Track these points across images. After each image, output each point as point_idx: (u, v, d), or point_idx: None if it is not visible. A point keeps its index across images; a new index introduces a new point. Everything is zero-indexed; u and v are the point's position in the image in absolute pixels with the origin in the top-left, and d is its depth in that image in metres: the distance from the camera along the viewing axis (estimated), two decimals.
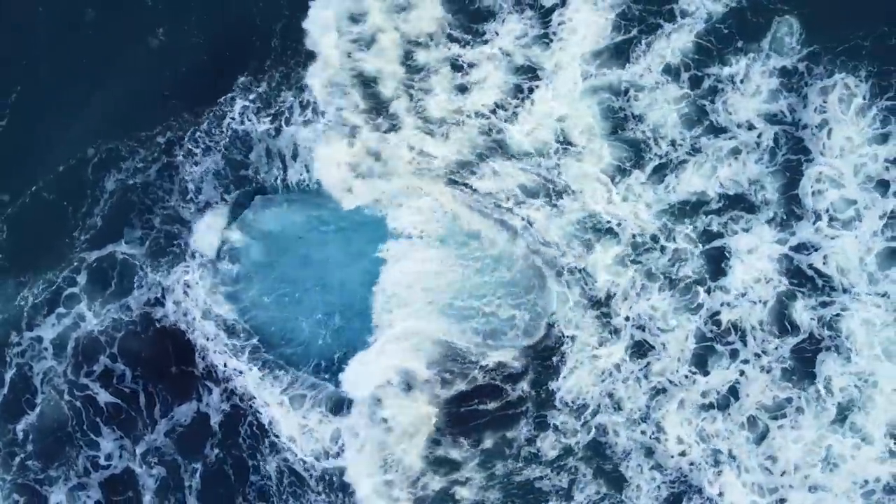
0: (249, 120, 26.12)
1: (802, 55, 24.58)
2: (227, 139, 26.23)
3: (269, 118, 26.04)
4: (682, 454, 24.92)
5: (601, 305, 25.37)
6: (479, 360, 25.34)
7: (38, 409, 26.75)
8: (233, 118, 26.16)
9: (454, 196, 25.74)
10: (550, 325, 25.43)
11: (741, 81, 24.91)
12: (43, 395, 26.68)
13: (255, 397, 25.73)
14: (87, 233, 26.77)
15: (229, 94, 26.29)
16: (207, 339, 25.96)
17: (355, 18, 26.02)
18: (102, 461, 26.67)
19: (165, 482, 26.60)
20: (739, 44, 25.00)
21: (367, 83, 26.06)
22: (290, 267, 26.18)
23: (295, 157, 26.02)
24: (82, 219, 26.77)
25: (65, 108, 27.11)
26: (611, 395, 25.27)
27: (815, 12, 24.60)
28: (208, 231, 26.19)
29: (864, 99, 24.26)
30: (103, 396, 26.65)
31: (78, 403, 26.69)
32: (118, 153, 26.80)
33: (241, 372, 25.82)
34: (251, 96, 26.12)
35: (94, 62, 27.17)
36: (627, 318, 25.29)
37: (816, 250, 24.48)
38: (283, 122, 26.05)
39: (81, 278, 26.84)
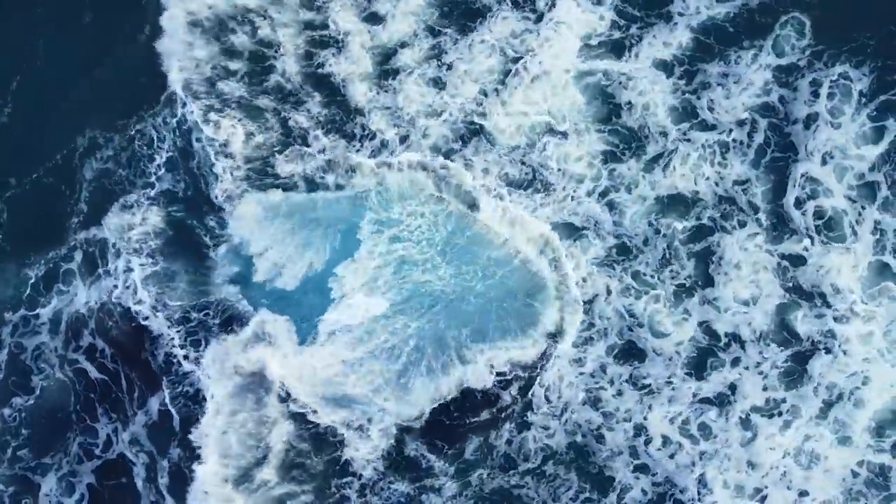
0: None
1: (806, 54, 24.26)
2: (176, 128, 26.51)
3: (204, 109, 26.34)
4: (671, 457, 24.49)
5: (588, 305, 24.99)
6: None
7: (37, 392, 27.08)
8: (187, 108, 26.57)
9: (441, 191, 25.64)
10: (546, 327, 25.12)
11: (735, 82, 24.63)
12: (37, 374, 27.03)
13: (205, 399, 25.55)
14: (77, 216, 27.17)
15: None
16: (159, 333, 26.01)
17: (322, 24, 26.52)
18: (98, 451, 26.73)
19: (151, 469, 26.57)
20: (743, 42, 24.76)
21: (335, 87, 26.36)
22: (289, 269, 25.90)
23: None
24: (74, 203, 27.23)
25: (61, 98, 27.88)
26: (596, 397, 24.83)
27: (822, 13, 24.30)
28: (121, 221, 26.39)
29: (864, 95, 23.80)
30: (94, 373, 26.78)
31: (71, 374, 26.87)
32: (96, 142, 27.25)
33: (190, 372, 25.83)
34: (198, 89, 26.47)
35: (87, 57, 27.97)
36: (612, 317, 24.92)
37: (806, 263, 24.14)
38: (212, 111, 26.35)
39: (78, 255, 27.18)
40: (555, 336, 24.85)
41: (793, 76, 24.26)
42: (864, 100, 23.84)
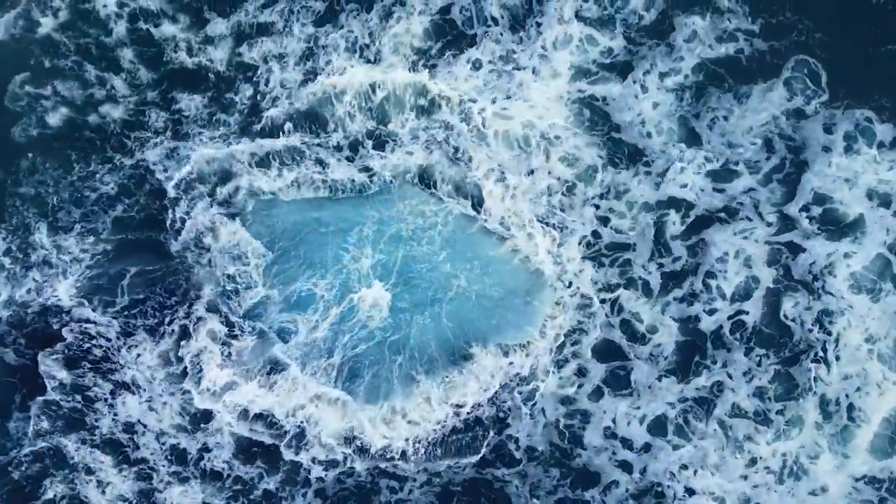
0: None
1: (821, 103, 24.97)
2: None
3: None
4: (655, 458, 25.09)
5: (573, 302, 25.52)
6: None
7: None
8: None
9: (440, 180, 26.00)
10: (544, 327, 25.55)
11: (743, 109, 25.26)
12: None
13: None
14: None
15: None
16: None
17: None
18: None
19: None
20: (756, 78, 25.31)
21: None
22: (289, 269, 25.86)
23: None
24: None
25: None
26: (576, 396, 25.30)
27: (833, 66, 25.12)
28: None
29: (884, 146, 24.65)
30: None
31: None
32: (34, 167, 26.18)
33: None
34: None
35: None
36: (595, 316, 25.46)
37: (804, 252, 24.78)
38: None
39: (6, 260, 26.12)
40: (547, 334, 25.39)
41: (805, 117, 24.98)
42: (884, 147, 24.70)
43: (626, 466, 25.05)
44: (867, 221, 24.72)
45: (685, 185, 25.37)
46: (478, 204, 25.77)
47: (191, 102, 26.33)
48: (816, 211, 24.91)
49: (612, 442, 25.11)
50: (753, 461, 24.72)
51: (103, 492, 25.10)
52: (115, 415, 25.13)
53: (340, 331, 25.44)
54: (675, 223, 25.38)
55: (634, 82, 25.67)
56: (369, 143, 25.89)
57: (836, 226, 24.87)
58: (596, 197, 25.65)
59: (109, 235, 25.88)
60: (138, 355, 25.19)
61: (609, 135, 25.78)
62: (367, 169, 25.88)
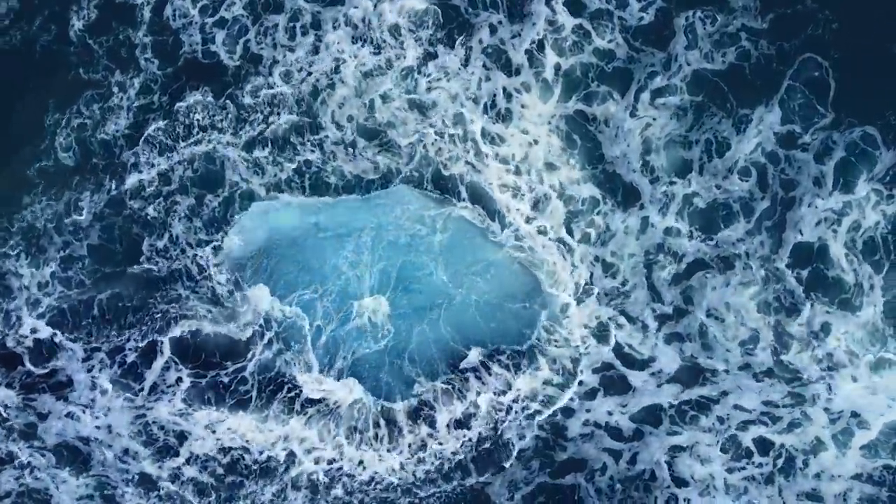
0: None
1: (816, 129, 23.41)
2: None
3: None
4: (645, 446, 24.88)
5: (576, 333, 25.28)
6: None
7: None
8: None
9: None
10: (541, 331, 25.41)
11: (739, 134, 24.00)
12: None
13: None
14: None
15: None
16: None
17: None
18: None
19: None
20: (751, 98, 23.89)
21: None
22: (288, 273, 26.08)
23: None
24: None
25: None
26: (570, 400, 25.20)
27: (849, 68, 23.30)
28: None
29: (880, 178, 23.05)
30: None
31: None
32: (32, 199, 26.32)
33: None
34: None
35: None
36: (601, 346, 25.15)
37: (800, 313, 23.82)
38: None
39: None
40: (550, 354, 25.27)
41: (796, 147, 23.59)
42: (875, 179, 23.11)
43: (615, 453, 24.86)
44: (861, 283, 23.25)
45: (670, 230, 24.53)
46: (490, 212, 25.56)
47: (196, 104, 26.20)
48: (804, 270, 23.57)
49: (600, 432, 24.91)
50: (748, 453, 24.29)
51: (58, 487, 25.52)
52: (70, 434, 25.48)
53: (340, 337, 25.70)
54: (666, 267, 24.57)
55: (626, 108, 24.61)
56: (366, 141, 25.74)
57: (830, 289, 23.53)
58: (592, 232, 25.09)
59: (88, 260, 26.03)
60: (95, 382, 25.37)
61: (603, 168, 24.99)
62: (372, 170, 25.83)
